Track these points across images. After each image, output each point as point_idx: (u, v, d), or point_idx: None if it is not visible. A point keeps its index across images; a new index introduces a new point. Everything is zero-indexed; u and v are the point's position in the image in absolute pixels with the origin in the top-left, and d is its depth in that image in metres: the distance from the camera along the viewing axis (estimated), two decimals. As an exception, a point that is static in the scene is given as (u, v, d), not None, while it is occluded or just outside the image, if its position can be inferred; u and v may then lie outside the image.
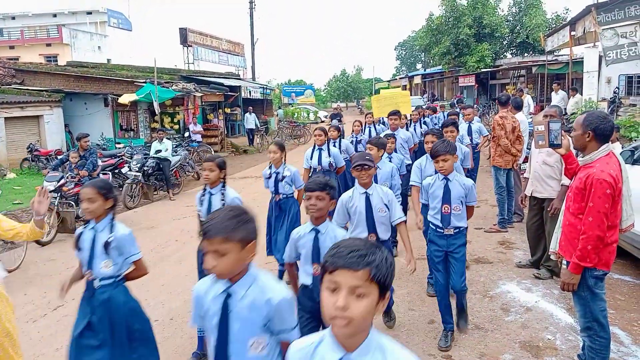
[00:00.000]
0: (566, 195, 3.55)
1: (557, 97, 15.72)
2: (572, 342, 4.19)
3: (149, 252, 7.33)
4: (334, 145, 7.48)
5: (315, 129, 7.29)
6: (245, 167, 16.73)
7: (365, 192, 4.00)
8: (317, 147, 6.88)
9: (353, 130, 9.38)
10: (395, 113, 8.15)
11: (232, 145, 21.36)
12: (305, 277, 3.30)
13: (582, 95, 15.31)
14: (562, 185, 5.26)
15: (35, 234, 3.57)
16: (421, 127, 10.70)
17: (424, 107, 15.40)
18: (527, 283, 5.52)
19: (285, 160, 5.65)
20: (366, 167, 3.93)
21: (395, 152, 6.96)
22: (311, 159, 6.89)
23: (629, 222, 3.47)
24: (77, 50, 39.52)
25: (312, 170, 6.86)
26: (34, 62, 25.56)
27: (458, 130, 6.54)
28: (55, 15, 45.51)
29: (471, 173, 7.53)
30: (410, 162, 7.31)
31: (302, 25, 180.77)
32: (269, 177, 5.67)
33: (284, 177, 5.53)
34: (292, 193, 5.71)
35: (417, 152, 9.09)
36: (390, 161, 6.08)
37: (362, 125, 9.58)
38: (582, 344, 3.61)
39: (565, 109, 14.16)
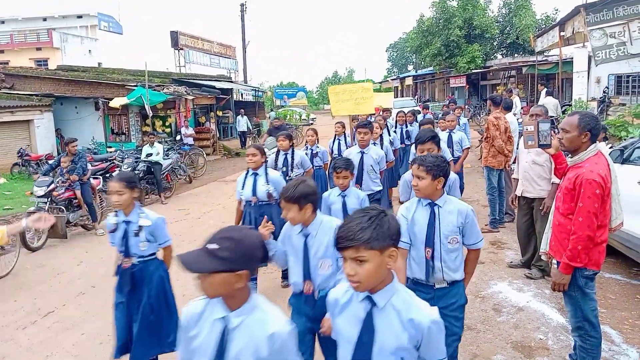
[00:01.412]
0: (555, 195, 3.57)
1: (542, 95, 15.87)
2: (564, 341, 4.20)
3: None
4: (286, 159, 6.42)
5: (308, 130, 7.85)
6: (238, 169, 16.69)
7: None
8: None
9: (307, 142, 7.56)
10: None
11: (224, 148, 21.32)
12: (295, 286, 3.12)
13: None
14: (552, 183, 5.30)
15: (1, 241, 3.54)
16: (403, 136, 10.25)
17: (414, 107, 15.42)
18: (518, 283, 5.54)
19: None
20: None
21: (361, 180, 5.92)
22: (243, 188, 5.27)
23: (618, 221, 3.49)
24: (68, 54, 39.33)
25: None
26: (24, 67, 25.39)
27: (439, 147, 4.50)
28: (45, 19, 45.31)
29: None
30: (381, 187, 6.23)
31: (293, 27, 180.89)
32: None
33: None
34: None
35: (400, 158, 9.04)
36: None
37: (317, 135, 7.64)
38: (574, 343, 3.62)
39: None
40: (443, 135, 8.07)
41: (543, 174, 5.42)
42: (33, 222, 3.39)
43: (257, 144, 5.13)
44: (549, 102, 15.54)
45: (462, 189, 6.88)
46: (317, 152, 7.39)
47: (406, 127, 10.58)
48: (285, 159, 6.38)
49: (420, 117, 12.26)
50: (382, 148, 6.65)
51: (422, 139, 4.41)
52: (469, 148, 8.27)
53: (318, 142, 7.54)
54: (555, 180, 5.26)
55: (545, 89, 16.24)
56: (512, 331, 4.45)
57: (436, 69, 35.30)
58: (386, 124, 8.89)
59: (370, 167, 5.96)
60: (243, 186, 5.20)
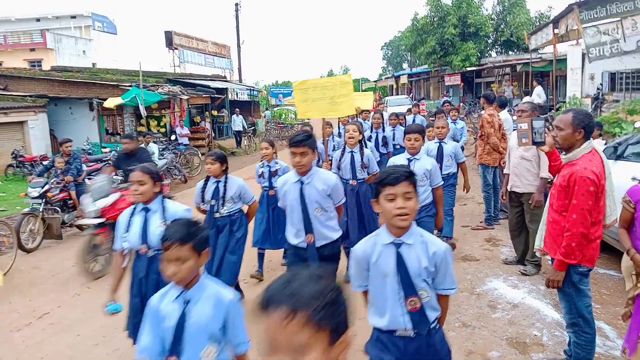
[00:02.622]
0: (550, 192, 3.58)
1: (534, 92, 15.93)
2: (559, 337, 4.22)
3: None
4: (217, 189, 4.87)
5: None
6: (233, 169, 16.66)
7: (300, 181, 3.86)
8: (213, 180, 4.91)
9: (262, 157, 6.17)
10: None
11: (219, 147, 21.26)
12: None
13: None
14: (541, 178, 5.36)
15: None
16: (379, 143, 8.75)
17: (409, 105, 15.07)
18: (513, 279, 5.56)
19: (276, 155, 6.12)
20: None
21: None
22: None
23: (612, 218, 3.50)
24: (62, 55, 39.16)
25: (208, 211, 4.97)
26: (18, 67, 25.28)
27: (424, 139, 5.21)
28: (38, 20, 45.05)
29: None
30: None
31: (288, 26, 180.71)
32: (261, 175, 6.11)
33: (276, 171, 5.94)
34: None
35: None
36: None
37: (273, 147, 6.40)
38: (568, 339, 3.64)
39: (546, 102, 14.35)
40: (431, 147, 6.48)
41: (531, 169, 5.51)
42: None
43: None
44: (535, 92, 15.73)
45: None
46: (276, 169, 5.96)
47: (383, 131, 8.92)
48: (217, 189, 4.71)
49: (410, 118, 11.44)
50: (361, 158, 5.61)
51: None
52: (463, 162, 6.66)
53: (277, 156, 6.10)
54: (544, 175, 5.35)
55: (537, 84, 16.46)
56: (507, 327, 4.47)
57: (431, 67, 35.33)
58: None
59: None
60: (128, 227, 3.53)
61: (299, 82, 6.10)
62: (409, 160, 4.93)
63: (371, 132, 9.04)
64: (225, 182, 4.82)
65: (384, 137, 8.88)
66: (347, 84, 5.97)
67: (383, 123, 9.15)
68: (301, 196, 3.75)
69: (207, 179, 4.90)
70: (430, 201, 5.10)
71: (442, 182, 5.03)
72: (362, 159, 5.60)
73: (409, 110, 13.19)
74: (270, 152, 5.96)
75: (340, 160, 5.71)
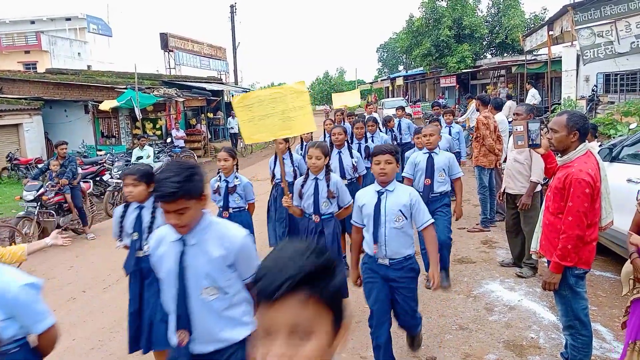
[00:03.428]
0: (545, 194, 3.58)
1: (529, 94, 15.99)
2: (556, 340, 4.22)
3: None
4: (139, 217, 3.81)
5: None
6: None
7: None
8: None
9: (219, 169, 5.33)
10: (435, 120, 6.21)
11: (215, 150, 21.25)
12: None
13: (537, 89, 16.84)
14: (530, 181, 5.39)
15: (18, 259, 3.50)
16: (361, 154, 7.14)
17: (405, 107, 14.23)
18: (510, 282, 5.56)
19: (237, 168, 5.24)
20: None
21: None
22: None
23: (608, 220, 3.51)
24: (57, 57, 39.07)
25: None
26: (13, 70, 25.16)
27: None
28: (33, 22, 44.93)
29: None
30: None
31: (284, 28, 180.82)
32: (216, 191, 5.18)
33: (235, 187, 5.09)
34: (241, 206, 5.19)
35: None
36: None
37: (234, 159, 5.34)
38: (565, 342, 3.64)
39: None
40: (419, 159, 5.38)
41: (523, 171, 5.57)
42: (54, 239, 3.56)
43: (139, 169, 3.59)
44: (530, 93, 15.82)
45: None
46: (234, 185, 5.11)
47: (365, 141, 7.33)
48: (139, 216, 3.61)
49: (395, 122, 10.31)
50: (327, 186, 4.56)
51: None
52: (459, 177, 5.52)
53: (237, 169, 5.26)
54: (533, 178, 5.38)
55: (532, 87, 16.57)
56: (504, 330, 4.47)
57: (426, 69, 35.43)
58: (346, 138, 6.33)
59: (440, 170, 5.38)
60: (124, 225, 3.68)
61: (239, 97, 4.49)
62: (379, 194, 3.53)
63: (352, 142, 7.18)
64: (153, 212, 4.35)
65: (367, 148, 7.06)
66: (302, 94, 4.47)
67: (366, 133, 7.52)
68: (180, 266, 2.32)
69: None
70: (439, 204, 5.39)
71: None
72: (328, 186, 4.46)
73: (402, 109, 11.48)
74: (229, 164, 5.05)
75: (302, 188, 4.56)
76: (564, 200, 3.26)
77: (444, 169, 5.28)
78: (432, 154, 5.29)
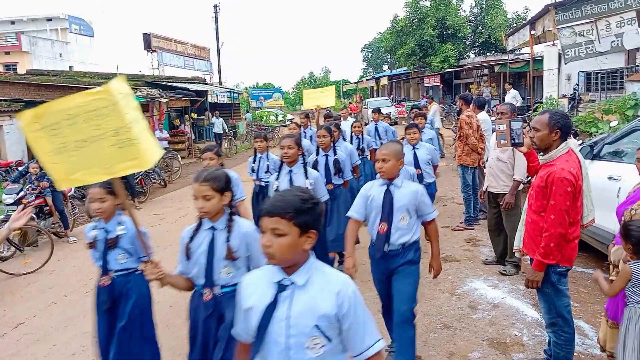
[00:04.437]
0: (528, 193, 3.60)
1: (509, 95, 16.13)
2: (539, 337, 4.25)
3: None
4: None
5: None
6: (214, 172, 16.57)
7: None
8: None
9: None
10: (414, 125, 6.60)
11: (199, 151, 21.12)
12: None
13: (516, 90, 17.41)
14: (513, 180, 5.43)
15: None
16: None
17: (389, 107, 13.96)
18: (493, 280, 5.59)
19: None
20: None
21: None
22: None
23: (590, 218, 3.53)
24: (38, 58, 38.50)
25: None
26: (-8, 71, 24.79)
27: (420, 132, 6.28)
28: (13, 23, 44.25)
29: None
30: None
31: (268, 27, 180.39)
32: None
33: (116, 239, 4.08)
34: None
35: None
36: None
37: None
38: (548, 339, 3.66)
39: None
40: (374, 192, 3.70)
41: (506, 170, 5.61)
42: (14, 222, 3.05)
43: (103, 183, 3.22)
44: (511, 94, 16.01)
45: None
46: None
47: (334, 153, 5.93)
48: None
49: (370, 127, 9.44)
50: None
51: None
52: (434, 220, 4.84)
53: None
54: (516, 177, 5.42)
55: (511, 87, 16.77)
56: (487, 328, 4.49)
57: (411, 69, 35.62)
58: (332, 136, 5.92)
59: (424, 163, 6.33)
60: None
61: (29, 113, 2.62)
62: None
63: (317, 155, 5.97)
64: None
65: (337, 162, 5.85)
66: (128, 98, 2.69)
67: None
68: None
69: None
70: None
71: (433, 215, 3.64)
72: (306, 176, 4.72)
73: (378, 112, 10.10)
74: (215, 163, 4.84)
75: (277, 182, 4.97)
76: (547, 199, 3.28)
77: (408, 209, 3.53)
78: (390, 187, 3.56)
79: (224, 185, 2.78)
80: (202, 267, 2.76)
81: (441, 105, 28.54)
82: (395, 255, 3.56)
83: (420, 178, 5.99)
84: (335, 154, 5.84)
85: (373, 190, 3.63)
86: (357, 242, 3.87)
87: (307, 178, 4.69)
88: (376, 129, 9.37)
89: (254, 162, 6.42)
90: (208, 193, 2.71)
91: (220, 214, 2.81)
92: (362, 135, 8.49)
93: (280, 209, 1.76)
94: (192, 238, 2.83)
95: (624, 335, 3.08)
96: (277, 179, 4.82)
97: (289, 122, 9.64)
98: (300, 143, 4.75)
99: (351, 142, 8.10)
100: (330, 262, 5.42)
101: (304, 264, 1.84)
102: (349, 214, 3.71)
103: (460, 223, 7.70)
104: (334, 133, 6.40)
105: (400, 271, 3.56)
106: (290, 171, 4.72)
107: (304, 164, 4.78)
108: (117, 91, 2.60)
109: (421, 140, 6.61)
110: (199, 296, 2.86)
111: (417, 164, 6.24)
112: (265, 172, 6.14)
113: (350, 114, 11.90)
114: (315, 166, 5.65)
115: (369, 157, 8.42)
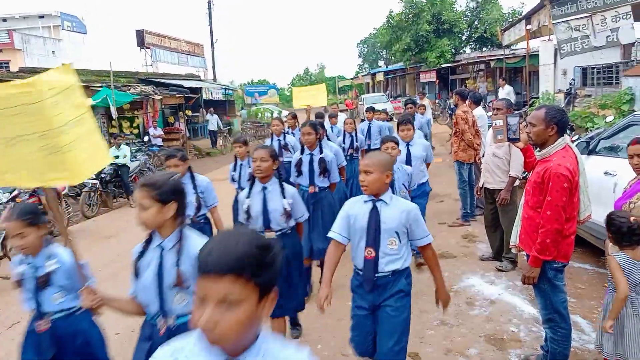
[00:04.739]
0: (525, 188, 3.58)
1: (503, 91, 16.11)
2: (536, 333, 4.24)
3: (109, 263, 7.13)
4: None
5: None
6: (208, 170, 16.48)
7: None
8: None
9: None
10: (408, 121, 5.93)
11: (194, 148, 21.05)
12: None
13: (511, 86, 17.39)
14: (509, 176, 5.42)
15: None
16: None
17: (385, 103, 13.50)
18: (490, 276, 5.57)
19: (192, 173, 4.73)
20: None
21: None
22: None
23: (586, 213, 3.52)
24: (30, 56, 38.22)
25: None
26: (-16, 69, 24.60)
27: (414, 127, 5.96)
28: (5, 20, 43.86)
29: None
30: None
31: (263, 23, 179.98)
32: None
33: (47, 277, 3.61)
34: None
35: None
36: None
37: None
38: (545, 335, 3.65)
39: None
40: (357, 211, 3.28)
41: (502, 166, 5.59)
42: (3, 221, 2.86)
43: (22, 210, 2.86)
44: (505, 91, 16.00)
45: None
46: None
47: (320, 151, 5.57)
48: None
49: (363, 126, 9.31)
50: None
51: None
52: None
53: (192, 174, 4.69)
54: (512, 173, 5.40)
55: (505, 83, 16.78)
56: (485, 324, 4.47)
57: (406, 64, 35.58)
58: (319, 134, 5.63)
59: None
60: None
61: None
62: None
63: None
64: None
65: (322, 160, 5.52)
66: (72, 92, 2.34)
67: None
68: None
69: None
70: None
71: (428, 240, 3.10)
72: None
73: (371, 110, 9.93)
74: (181, 169, 4.43)
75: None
76: (543, 195, 3.26)
77: (397, 232, 2.99)
78: (377, 204, 3.02)
79: (167, 194, 2.31)
80: (152, 293, 2.36)
81: (436, 100, 28.57)
82: (384, 284, 3.01)
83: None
84: (321, 152, 5.32)
85: (356, 208, 3.09)
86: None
87: (284, 197, 3.81)
88: (369, 129, 9.25)
89: (234, 169, 5.98)
90: (144, 202, 2.28)
91: (168, 228, 2.37)
92: (356, 133, 8.22)
93: (233, 263, 1.18)
94: (141, 254, 2.43)
95: (603, 322, 3.21)
96: (248, 196, 3.85)
97: (285, 118, 9.05)
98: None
99: (343, 141, 8.08)
100: (308, 270, 5.14)
101: (255, 343, 1.28)
102: (329, 234, 3.14)
103: (457, 219, 7.69)
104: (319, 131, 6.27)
105: (389, 305, 2.99)
106: (264, 188, 3.83)
107: (280, 179, 3.88)
108: (47, 85, 2.14)
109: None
110: (150, 327, 2.47)
111: (409, 161, 5.78)
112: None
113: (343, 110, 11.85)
114: (299, 166, 5.32)
115: (360, 156, 8.10)
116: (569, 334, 3.45)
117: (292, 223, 3.92)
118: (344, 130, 8.21)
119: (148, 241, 2.41)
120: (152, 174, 13.19)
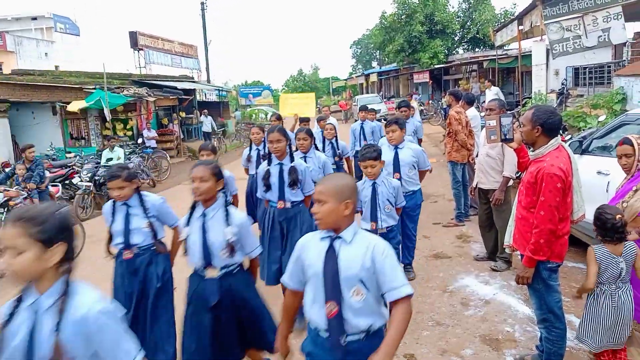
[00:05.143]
0: (518, 189, 3.59)
1: (490, 92, 16.15)
2: (531, 333, 4.25)
3: (103, 264, 7.08)
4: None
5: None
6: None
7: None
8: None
9: None
10: (395, 122, 5.40)
11: (188, 149, 20.99)
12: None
13: (498, 87, 17.39)
14: (503, 176, 5.44)
15: None
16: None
17: (379, 103, 12.90)
18: (485, 276, 5.59)
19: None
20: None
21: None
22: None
23: (580, 213, 3.53)
24: (23, 58, 38.00)
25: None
26: (-24, 71, 24.44)
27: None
28: (-3, 22, 43.68)
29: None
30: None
31: (256, 24, 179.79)
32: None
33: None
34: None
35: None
36: None
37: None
38: (540, 334, 3.66)
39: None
40: (313, 251, 2.35)
41: (495, 166, 5.59)
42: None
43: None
44: (492, 92, 16.10)
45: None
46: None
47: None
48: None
49: (355, 126, 9.06)
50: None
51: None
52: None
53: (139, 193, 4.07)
54: (505, 173, 5.42)
55: (491, 85, 16.88)
56: (480, 324, 4.48)
57: (400, 65, 35.64)
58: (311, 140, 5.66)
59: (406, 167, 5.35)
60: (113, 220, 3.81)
61: None
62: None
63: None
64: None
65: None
66: None
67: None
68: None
69: None
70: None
71: (406, 292, 2.21)
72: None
73: (364, 110, 9.49)
74: (125, 193, 3.74)
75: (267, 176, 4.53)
76: (536, 195, 3.27)
77: (362, 280, 2.24)
78: (335, 243, 2.31)
79: (51, 233, 1.76)
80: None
81: (430, 101, 28.64)
82: (355, 350, 2.22)
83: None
84: (292, 161, 4.52)
85: (311, 248, 2.37)
86: None
87: (228, 224, 3.11)
88: (362, 129, 8.95)
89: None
90: (17, 242, 1.71)
91: (48, 280, 1.81)
92: (337, 139, 7.52)
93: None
94: (10, 317, 1.84)
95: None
96: (188, 224, 3.22)
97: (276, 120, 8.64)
98: (219, 174, 3.20)
99: (323, 149, 7.30)
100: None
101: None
102: (282, 279, 2.55)
103: (451, 219, 7.70)
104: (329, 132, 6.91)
105: None
106: (204, 215, 3.16)
107: (226, 202, 3.23)
108: None
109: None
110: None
111: (397, 168, 5.30)
112: None
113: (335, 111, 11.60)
114: (267, 178, 4.54)
115: (344, 165, 7.60)
116: (564, 333, 3.46)
117: (239, 259, 3.22)
118: (323, 137, 7.48)
119: (19, 300, 1.85)
120: (146, 176, 13.22)
